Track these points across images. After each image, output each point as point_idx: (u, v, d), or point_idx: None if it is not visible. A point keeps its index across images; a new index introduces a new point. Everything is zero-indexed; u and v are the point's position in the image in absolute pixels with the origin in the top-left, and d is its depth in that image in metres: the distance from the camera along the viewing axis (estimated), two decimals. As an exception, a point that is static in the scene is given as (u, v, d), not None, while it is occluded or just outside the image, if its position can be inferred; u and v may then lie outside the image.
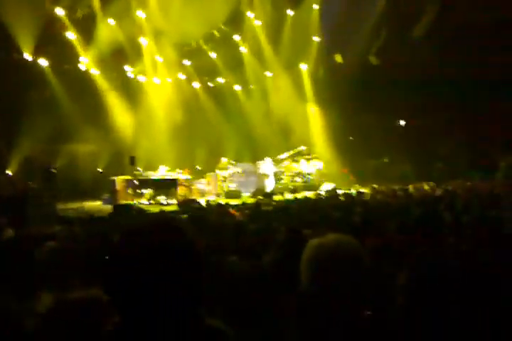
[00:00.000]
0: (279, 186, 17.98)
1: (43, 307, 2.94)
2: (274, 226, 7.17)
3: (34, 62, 16.45)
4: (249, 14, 20.07)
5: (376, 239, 5.14)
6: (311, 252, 1.64)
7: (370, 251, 4.66)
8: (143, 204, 14.51)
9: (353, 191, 15.85)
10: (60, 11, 16.36)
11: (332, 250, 1.61)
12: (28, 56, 16.14)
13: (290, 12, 20.43)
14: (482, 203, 8.74)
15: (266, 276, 4.89)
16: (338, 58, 21.74)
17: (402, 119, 22.52)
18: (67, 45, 17.01)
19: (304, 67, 21.90)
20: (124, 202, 14.77)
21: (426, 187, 15.30)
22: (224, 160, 17.68)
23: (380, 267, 4.57)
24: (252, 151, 20.15)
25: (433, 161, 20.32)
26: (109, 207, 12.88)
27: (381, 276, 4.45)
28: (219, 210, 9.84)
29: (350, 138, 20.80)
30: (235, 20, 20.05)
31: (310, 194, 15.61)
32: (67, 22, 16.78)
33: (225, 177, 17.36)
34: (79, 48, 17.20)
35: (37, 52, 16.35)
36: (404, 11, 19.70)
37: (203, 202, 13.07)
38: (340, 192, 15.32)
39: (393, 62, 20.21)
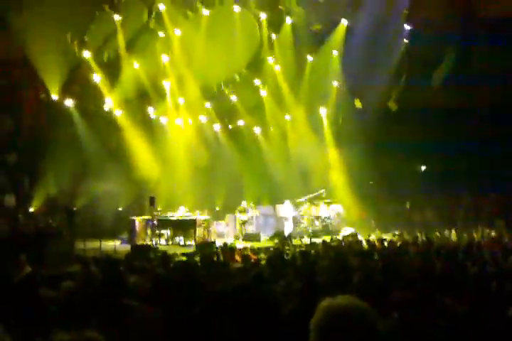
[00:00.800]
0: (298, 230, 17.72)
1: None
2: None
3: (60, 102, 16.79)
4: (270, 59, 20.49)
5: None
6: (319, 315, 1.58)
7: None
8: (161, 244, 14.34)
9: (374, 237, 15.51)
10: (86, 54, 16.82)
11: (341, 314, 1.54)
12: (54, 96, 16.50)
13: (310, 58, 20.81)
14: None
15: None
16: (358, 103, 21.92)
17: (423, 164, 22.38)
18: (93, 86, 17.38)
19: (323, 111, 22.10)
20: (142, 242, 14.62)
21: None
22: (244, 203, 17.56)
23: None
24: (271, 194, 20.04)
25: (456, 208, 19.99)
26: (127, 247, 12.74)
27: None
28: (226, 255, 9.70)
29: (370, 182, 20.60)
30: (256, 65, 20.45)
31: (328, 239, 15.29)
32: (93, 64, 17.19)
33: (244, 221, 17.18)
34: (104, 89, 17.56)
35: (63, 93, 16.71)
36: (423, 58, 19.93)
37: (220, 244, 12.89)
38: (360, 238, 15.03)
39: (412, 108, 20.32)
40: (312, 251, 9.58)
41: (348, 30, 20.31)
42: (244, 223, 17.06)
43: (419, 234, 14.79)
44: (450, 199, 19.97)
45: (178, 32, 18.21)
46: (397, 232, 16.23)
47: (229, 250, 10.81)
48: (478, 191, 19.39)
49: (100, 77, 17.36)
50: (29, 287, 6.15)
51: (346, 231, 17.86)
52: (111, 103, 17.88)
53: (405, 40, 20.22)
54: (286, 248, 11.53)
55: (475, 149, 19.34)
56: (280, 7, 19.34)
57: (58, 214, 13.52)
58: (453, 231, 15.95)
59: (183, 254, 10.45)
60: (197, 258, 9.20)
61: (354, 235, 15.83)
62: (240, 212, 17.25)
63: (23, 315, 5.14)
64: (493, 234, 14.80)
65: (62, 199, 14.69)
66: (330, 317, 1.54)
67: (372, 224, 19.38)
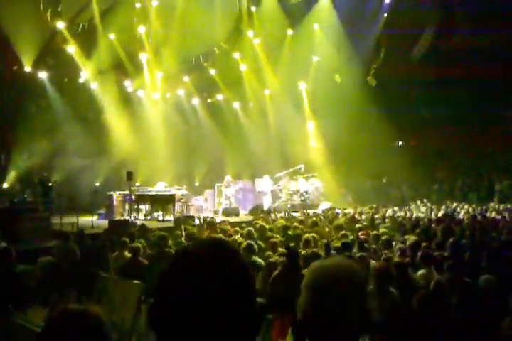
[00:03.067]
0: (277, 204, 17.82)
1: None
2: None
3: (34, 74, 16.34)
4: (249, 33, 20.17)
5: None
6: (310, 276, 1.60)
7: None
8: (139, 219, 14.28)
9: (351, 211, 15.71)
10: (60, 25, 16.31)
11: (331, 274, 1.57)
12: (27, 68, 16.03)
13: (290, 31, 20.54)
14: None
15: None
16: (337, 78, 21.85)
17: (400, 140, 22.60)
18: (67, 58, 16.92)
19: (302, 85, 21.98)
20: (120, 217, 14.54)
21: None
22: (228, 178, 17.52)
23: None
24: (251, 169, 20.04)
25: (431, 183, 20.33)
26: (104, 223, 12.66)
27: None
28: (209, 227, 9.75)
29: (349, 159, 20.62)
30: (235, 39, 20.12)
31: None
32: (67, 35, 16.69)
33: (228, 196, 17.15)
34: (79, 61, 17.12)
35: (37, 65, 16.25)
36: (402, 32, 19.86)
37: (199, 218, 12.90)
38: (339, 211, 15.19)
39: (391, 83, 20.37)
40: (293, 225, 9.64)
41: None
42: (229, 197, 17.06)
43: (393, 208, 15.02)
44: (425, 174, 20.28)
45: (155, 2, 17.74)
46: (374, 205, 16.43)
47: (209, 224, 10.84)
48: (453, 166, 19.72)
49: (75, 49, 16.89)
50: (4, 262, 6.09)
51: (324, 205, 18.03)
52: (86, 75, 17.47)
53: (385, 14, 20.07)
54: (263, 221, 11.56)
55: (452, 124, 19.59)
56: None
57: (34, 189, 13.31)
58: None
59: (161, 229, 10.42)
60: (178, 232, 9.21)
61: (332, 209, 15.96)
62: (226, 186, 17.22)
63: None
64: (465, 207, 15.08)
65: (37, 174, 14.42)
66: (320, 277, 1.57)
67: (349, 198, 19.61)
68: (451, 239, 6.68)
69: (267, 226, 9.73)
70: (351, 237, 7.55)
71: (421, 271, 5.38)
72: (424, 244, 6.53)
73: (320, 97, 21.35)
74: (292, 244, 7.26)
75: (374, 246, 7.09)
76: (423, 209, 15.82)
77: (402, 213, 13.78)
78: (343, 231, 7.78)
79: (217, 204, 17.21)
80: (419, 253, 5.73)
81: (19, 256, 7.40)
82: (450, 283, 4.79)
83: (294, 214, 15.03)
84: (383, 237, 7.21)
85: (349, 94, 20.36)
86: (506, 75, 18.02)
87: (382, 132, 20.47)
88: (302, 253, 5.86)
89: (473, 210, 13.83)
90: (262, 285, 5.31)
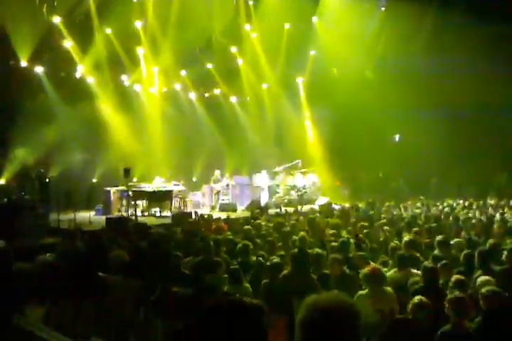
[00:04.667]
0: (274, 200, 17.87)
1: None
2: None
3: (30, 69, 16.27)
4: (247, 26, 20.09)
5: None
6: (304, 312, 1.60)
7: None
8: (137, 215, 14.32)
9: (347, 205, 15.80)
10: (56, 19, 16.21)
11: (324, 312, 1.56)
12: (23, 63, 15.96)
13: (287, 25, 20.47)
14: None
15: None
16: (335, 72, 21.83)
17: (397, 134, 22.62)
18: (64, 52, 16.84)
19: (300, 80, 21.96)
20: (117, 213, 14.57)
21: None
22: (217, 172, 17.57)
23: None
24: (248, 164, 20.06)
25: (428, 177, 20.37)
26: (101, 218, 12.70)
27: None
28: (209, 227, 9.76)
29: (346, 152, 20.58)
30: (232, 32, 20.04)
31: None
32: (63, 30, 16.60)
33: (218, 191, 17.22)
34: (75, 56, 17.05)
35: (33, 60, 16.17)
36: (401, 26, 19.79)
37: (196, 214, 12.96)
38: (336, 207, 15.26)
39: (389, 77, 20.33)
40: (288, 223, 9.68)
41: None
42: (218, 193, 17.10)
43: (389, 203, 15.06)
44: (423, 168, 20.33)
45: (151, -4, 17.65)
46: (370, 200, 16.48)
47: (205, 221, 10.91)
48: (451, 161, 19.75)
49: (71, 43, 16.81)
50: (2, 262, 6.13)
51: (321, 200, 18.09)
52: (82, 70, 17.41)
53: (382, 8, 20.02)
54: (260, 218, 11.60)
55: (450, 118, 19.59)
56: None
57: (31, 185, 13.30)
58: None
59: (159, 226, 10.47)
60: (175, 229, 9.25)
61: (329, 204, 16.01)
62: (214, 181, 17.27)
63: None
64: (461, 202, 15.12)
65: (34, 170, 14.40)
66: (314, 315, 1.56)
67: (346, 193, 19.67)
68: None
69: (263, 223, 9.79)
70: (347, 236, 7.59)
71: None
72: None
73: (317, 91, 21.32)
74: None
75: (374, 246, 7.16)
76: (419, 205, 15.81)
77: (397, 211, 13.81)
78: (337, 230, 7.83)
79: (213, 199, 17.23)
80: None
81: (17, 254, 7.42)
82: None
83: (289, 209, 15.08)
84: (381, 239, 7.26)
85: (346, 87, 20.35)
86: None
87: (380, 126, 20.51)
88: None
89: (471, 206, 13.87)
90: (256, 285, 5.31)
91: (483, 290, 4.19)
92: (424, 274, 5.05)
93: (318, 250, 5.95)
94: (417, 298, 4.19)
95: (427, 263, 5.32)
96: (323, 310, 1.56)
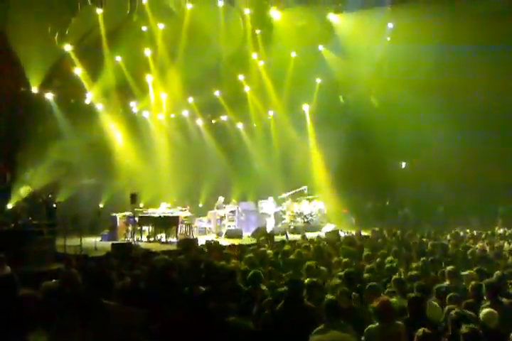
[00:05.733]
0: (280, 226, 17.80)
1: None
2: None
3: (40, 95, 16.55)
4: (254, 55, 20.42)
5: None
6: None
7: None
8: (142, 241, 14.28)
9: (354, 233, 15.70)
10: (68, 47, 16.57)
11: None
12: (35, 89, 16.25)
13: (293, 54, 20.76)
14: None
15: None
16: (341, 99, 22.03)
17: (403, 161, 22.62)
18: (74, 79, 17.15)
19: (306, 107, 22.16)
20: (123, 239, 14.55)
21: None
22: (221, 198, 17.57)
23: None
24: (255, 190, 20.07)
25: (434, 205, 20.26)
26: (107, 244, 12.66)
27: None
28: (216, 255, 9.65)
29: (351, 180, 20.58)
30: (240, 60, 20.35)
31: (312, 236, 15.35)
32: (74, 57, 16.94)
33: (220, 217, 17.20)
34: (85, 83, 17.34)
35: (44, 86, 16.47)
36: (404, 55, 20.02)
37: (203, 241, 12.89)
38: (342, 234, 15.16)
39: (394, 104, 20.46)
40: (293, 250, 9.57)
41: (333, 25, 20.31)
42: (220, 218, 17.08)
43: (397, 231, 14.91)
44: (430, 197, 20.24)
45: (161, 26, 18.03)
46: (376, 229, 16.37)
47: (213, 248, 10.82)
48: (459, 189, 19.67)
49: (81, 70, 17.14)
50: (8, 288, 6.10)
51: (328, 227, 17.99)
52: (92, 96, 17.69)
53: (387, 38, 20.30)
54: (267, 245, 11.52)
55: (458, 146, 19.61)
56: (265, 2, 19.22)
57: (38, 210, 13.35)
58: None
59: (165, 252, 10.42)
60: (181, 257, 9.17)
61: (335, 231, 15.92)
62: (217, 207, 17.27)
63: (1, 316, 5.10)
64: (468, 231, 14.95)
65: (42, 195, 14.49)
66: None
67: (352, 220, 19.57)
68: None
69: (269, 251, 9.70)
70: (354, 265, 7.52)
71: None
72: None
73: (323, 118, 21.48)
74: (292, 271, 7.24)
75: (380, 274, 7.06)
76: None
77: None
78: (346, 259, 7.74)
79: (215, 225, 17.17)
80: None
81: (23, 280, 7.40)
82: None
83: (295, 236, 14.98)
84: (387, 266, 7.17)
85: (352, 114, 20.50)
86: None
87: (386, 153, 20.54)
88: (306, 281, 5.76)
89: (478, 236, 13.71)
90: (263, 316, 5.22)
91: (463, 328, 4.15)
92: (409, 304, 4.98)
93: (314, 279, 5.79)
94: (419, 331, 4.14)
95: (411, 294, 5.23)
96: None
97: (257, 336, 4.76)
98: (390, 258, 7.97)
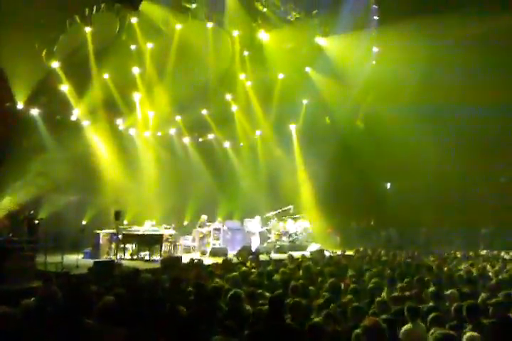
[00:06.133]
0: (266, 245, 17.73)
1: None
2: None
3: (26, 111, 16.46)
4: (242, 75, 20.62)
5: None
6: None
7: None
8: (125, 259, 14.10)
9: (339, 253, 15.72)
10: (55, 64, 16.57)
11: None
12: (20, 105, 16.16)
13: (281, 75, 21.02)
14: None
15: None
16: (327, 120, 22.27)
17: (388, 182, 22.83)
18: (61, 96, 17.11)
19: (293, 127, 22.35)
20: (106, 256, 14.35)
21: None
22: (203, 216, 17.50)
23: None
24: (241, 208, 20.04)
25: (418, 226, 20.40)
26: (89, 262, 12.47)
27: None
28: (199, 273, 9.54)
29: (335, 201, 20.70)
30: (228, 80, 20.54)
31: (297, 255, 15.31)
32: (61, 74, 16.93)
33: (203, 234, 17.09)
34: (72, 99, 17.30)
35: (30, 102, 16.40)
36: (390, 78, 20.39)
37: (187, 259, 12.76)
38: (327, 253, 15.14)
39: (379, 127, 20.74)
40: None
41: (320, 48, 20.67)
42: (203, 237, 16.97)
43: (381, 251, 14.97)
44: (414, 217, 20.38)
45: (150, 45, 18.17)
46: (361, 248, 16.43)
47: (195, 266, 10.72)
48: (442, 211, 19.88)
49: (68, 87, 17.11)
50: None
51: (313, 247, 17.97)
52: (78, 113, 17.64)
53: (373, 62, 20.69)
54: (250, 264, 11.46)
55: (443, 167, 19.88)
56: (253, 24, 19.53)
57: (19, 227, 13.13)
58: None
59: (148, 271, 10.28)
60: (164, 276, 9.05)
61: (321, 251, 15.91)
62: (200, 226, 17.19)
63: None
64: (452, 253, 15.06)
65: (24, 211, 14.27)
66: None
67: (337, 240, 19.59)
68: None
69: (253, 270, 9.62)
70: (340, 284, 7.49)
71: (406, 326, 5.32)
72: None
73: (310, 138, 21.67)
74: (279, 291, 7.17)
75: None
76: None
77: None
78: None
79: (205, 244, 17.05)
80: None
81: (1, 297, 7.23)
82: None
83: (281, 255, 14.92)
84: (370, 286, 7.15)
85: (338, 135, 20.71)
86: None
87: (371, 174, 20.72)
88: (289, 302, 5.69)
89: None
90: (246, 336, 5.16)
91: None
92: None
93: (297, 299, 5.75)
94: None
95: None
96: None
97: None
98: (374, 280, 7.94)
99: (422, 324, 5.41)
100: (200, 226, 17.21)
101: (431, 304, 6.44)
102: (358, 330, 4.64)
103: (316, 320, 5.08)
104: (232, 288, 6.69)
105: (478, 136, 19.40)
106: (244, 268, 9.98)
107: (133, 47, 17.95)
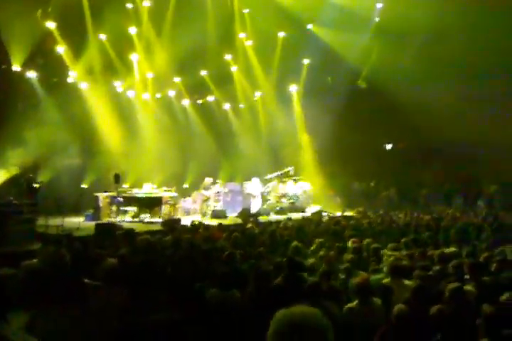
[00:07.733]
0: (266, 207, 17.82)
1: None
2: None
3: (22, 74, 16.21)
4: (241, 34, 20.14)
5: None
6: (274, 327, 1.61)
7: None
8: (126, 222, 14.22)
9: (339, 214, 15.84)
10: (51, 25, 16.19)
11: (294, 325, 1.58)
12: (16, 67, 15.90)
13: (281, 33, 20.51)
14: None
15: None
16: (328, 80, 21.90)
17: (389, 142, 22.69)
18: (57, 58, 16.80)
19: (293, 87, 22.01)
20: (106, 219, 14.47)
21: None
22: (208, 179, 17.47)
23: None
24: (241, 171, 20.01)
25: (418, 187, 20.40)
26: (91, 224, 12.57)
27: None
28: (204, 234, 9.62)
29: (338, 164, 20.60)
30: (227, 40, 20.09)
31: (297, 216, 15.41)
32: (57, 35, 16.57)
33: (207, 197, 17.11)
34: (68, 61, 17.01)
35: (26, 65, 16.13)
36: (393, 36, 19.80)
37: (187, 221, 12.84)
38: (325, 214, 15.24)
39: (382, 86, 20.35)
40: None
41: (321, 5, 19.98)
42: (207, 199, 16.99)
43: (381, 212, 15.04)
44: (413, 178, 20.37)
45: (146, 3, 17.68)
46: (360, 209, 16.50)
47: (195, 227, 10.80)
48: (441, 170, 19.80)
49: (64, 49, 16.78)
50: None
51: (313, 208, 18.06)
52: (75, 75, 17.37)
53: (376, 18, 20.09)
54: (250, 225, 11.55)
55: (441, 129, 19.58)
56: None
57: (20, 190, 13.16)
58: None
59: (148, 233, 10.36)
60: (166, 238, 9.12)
61: (320, 212, 15.99)
62: (205, 188, 17.19)
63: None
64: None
65: (23, 174, 14.27)
66: (284, 329, 1.56)
67: (338, 201, 19.65)
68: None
69: (256, 231, 9.72)
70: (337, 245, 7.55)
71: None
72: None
73: (311, 99, 21.34)
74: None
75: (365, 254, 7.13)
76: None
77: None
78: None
79: (204, 206, 17.10)
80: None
81: (2, 259, 7.30)
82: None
83: (280, 216, 15.01)
84: (371, 246, 7.20)
85: (339, 96, 20.39)
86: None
87: (372, 134, 20.55)
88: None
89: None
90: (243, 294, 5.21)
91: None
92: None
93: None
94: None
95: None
96: (292, 324, 1.55)
97: (245, 307, 4.79)
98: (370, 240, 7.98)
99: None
100: (204, 189, 17.18)
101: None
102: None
103: (314, 279, 5.15)
104: (234, 249, 6.80)
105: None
106: (248, 229, 10.10)
107: (129, 5, 17.47)
